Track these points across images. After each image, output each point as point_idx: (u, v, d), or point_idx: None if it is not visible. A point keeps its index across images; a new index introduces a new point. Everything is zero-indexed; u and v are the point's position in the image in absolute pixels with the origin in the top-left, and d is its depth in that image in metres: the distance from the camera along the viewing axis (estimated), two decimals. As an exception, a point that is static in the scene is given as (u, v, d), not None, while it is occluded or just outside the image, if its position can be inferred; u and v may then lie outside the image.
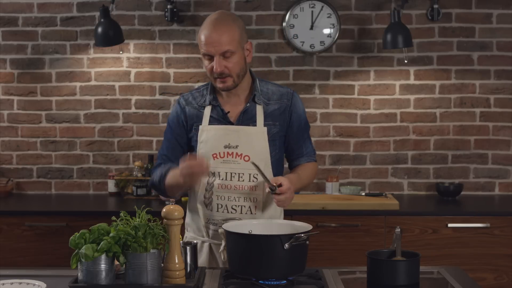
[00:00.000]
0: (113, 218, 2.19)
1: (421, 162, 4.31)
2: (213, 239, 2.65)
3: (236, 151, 2.63)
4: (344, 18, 4.27)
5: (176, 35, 4.30)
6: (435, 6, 4.18)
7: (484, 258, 3.71)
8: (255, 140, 2.64)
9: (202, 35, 2.57)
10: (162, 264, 2.15)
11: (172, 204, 2.19)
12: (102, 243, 2.05)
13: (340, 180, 4.27)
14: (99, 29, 4.07)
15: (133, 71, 4.32)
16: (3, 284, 2.18)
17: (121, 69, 4.32)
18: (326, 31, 4.25)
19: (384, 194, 4.01)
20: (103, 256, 2.06)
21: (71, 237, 2.10)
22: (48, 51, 4.33)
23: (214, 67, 2.56)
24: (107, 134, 4.35)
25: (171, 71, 4.31)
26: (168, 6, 4.18)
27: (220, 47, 2.55)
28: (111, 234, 2.09)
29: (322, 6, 4.24)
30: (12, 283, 2.19)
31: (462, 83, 4.28)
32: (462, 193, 4.17)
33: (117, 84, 4.33)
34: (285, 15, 4.26)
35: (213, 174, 2.63)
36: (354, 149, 4.32)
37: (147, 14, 4.30)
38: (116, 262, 2.13)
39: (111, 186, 4.26)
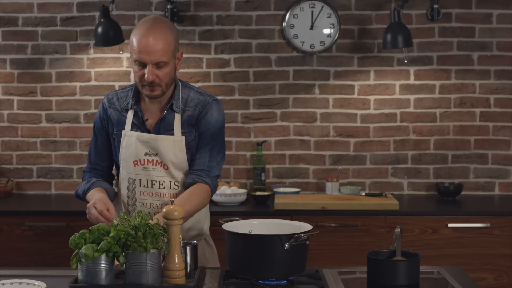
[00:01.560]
0: (113, 218, 2.19)
1: (421, 162, 4.31)
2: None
3: (156, 159, 2.63)
4: (344, 18, 4.27)
5: (176, 35, 4.29)
6: (435, 6, 4.18)
7: (484, 258, 3.71)
8: (172, 149, 2.63)
9: (136, 41, 2.51)
10: (162, 264, 2.15)
11: (172, 204, 2.19)
12: (102, 243, 2.05)
13: (340, 180, 4.26)
14: (99, 29, 4.07)
15: (133, 71, 4.32)
16: (3, 284, 2.18)
17: (121, 69, 4.32)
18: (326, 31, 4.25)
19: (384, 194, 4.01)
20: (103, 256, 2.06)
21: (71, 237, 2.10)
22: (48, 51, 4.33)
23: (146, 75, 2.52)
24: (107, 134, 4.35)
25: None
26: (168, 6, 4.18)
27: (155, 57, 2.51)
28: (111, 234, 2.09)
29: (322, 6, 4.24)
30: (12, 283, 2.19)
31: (462, 83, 4.28)
32: (462, 193, 4.16)
33: (117, 84, 4.33)
34: (285, 15, 4.26)
35: (134, 181, 2.64)
36: (354, 149, 4.32)
37: (147, 14, 4.30)
38: (116, 262, 2.13)
39: (111, 186, 4.26)
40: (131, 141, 2.64)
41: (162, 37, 2.51)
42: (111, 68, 4.32)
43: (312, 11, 4.25)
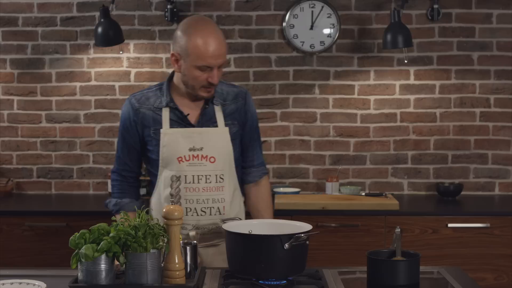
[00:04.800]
0: (113, 218, 2.19)
1: (421, 162, 4.31)
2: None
3: (201, 153, 2.63)
4: (344, 18, 4.27)
5: (176, 35, 4.30)
6: (435, 6, 4.18)
7: (484, 258, 3.71)
8: (218, 141, 2.65)
9: (203, 47, 2.52)
10: (162, 264, 2.15)
11: (172, 204, 2.19)
12: (102, 243, 2.05)
13: (340, 180, 4.26)
14: (99, 29, 4.07)
15: (133, 71, 4.32)
16: (3, 284, 2.18)
17: (121, 69, 4.32)
18: (326, 31, 4.25)
19: (384, 194, 4.01)
20: (103, 256, 2.06)
21: (71, 237, 2.10)
22: (48, 51, 4.33)
23: (213, 78, 2.55)
24: (107, 134, 4.35)
25: (171, 71, 4.30)
26: (168, 6, 4.19)
27: (221, 60, 2.56)
28: (111, 234, 2.09)
29: (322, 6, 4.24)
30: (12, 283, 2.19)
31: (462, 83, 4.28)
32: (462, 193, 4.16)
33: (117, 84, 4.33)
34: (285, 15, 4.26)
35: (178, 178, 2.63)
36: (354, 149, 4.32)
37: (147, 14, 4.30)
38: (116, 262, 2.13)
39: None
40: (173, 138, 2.63)
41: (223, 40, 2.57)
42: (111, 68, 4.32)
43: (312, 11, 4.25)
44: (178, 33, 2.59)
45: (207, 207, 2.63)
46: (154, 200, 2.73)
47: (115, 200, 2.76)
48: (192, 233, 2.61)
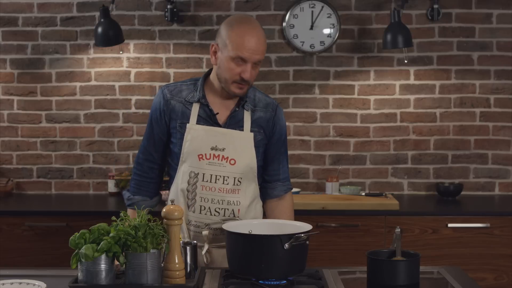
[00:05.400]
0: (113, 218, 2.19)
1: (421, 162, 4.31)
2: (194, 241, 2.63)
3: (222, 154, 2.61)
4: (344, 18, 4.27)
5: (176, 35, 4.30)
6: (435, 6, 4.18)
7: (484, 258, 3.71)
8: (242, 144, 2.63)
9: (242, 39, 2.51)
10: (162, 264, 2.15)
11: (172, 204, 2.19)
12: (102, 243, 2.05)
13: (340, 180, 4.27)
14: (99, 29, 4.07)
15: (133, 71, 4.32)
16: (3, 284, 2.18)
17: (121, 69, 4.32)
18: (326, 31, 4.25)
19: (384, 194, 4.01)
20: (103, 256, 2.06)
21: (71, 237, 2.10)
22: (48, 51, 4.33)
23: (247, 74, 2.54)
24: (107, 134, 4.35)
25: (171, 71, 4.32)
26: (168, 6, 4.19)
27: (258, 56, 2.55)
28: (111, 234, 2.09)
29: (322, 6, 4.24)
30: (12, 283, 2.19)
31: (462, 83, 4.28)
32: (462, 193, 4.17)
33: (117, 84, 4.33)
34: (285, 15, 4.26)
35: (196, 175, 2.62)
36: (354, 149, 4.32)
37: (147, 14, 4.30)
38: (116, 262, 2.13)
39: (111, 186, 4.26)
40: (197, 134, 2.61)
41: (264, 37, 2.58)
42: (111, 68, 4.32)
43: (312, 11, 4.25)
44: (221, 26, 2.59)
45: (222, 208, 2.61)
46: (171, 193, 2.72)
47: (128, 195, 2.77)
48: (205, 232, 2.60)
